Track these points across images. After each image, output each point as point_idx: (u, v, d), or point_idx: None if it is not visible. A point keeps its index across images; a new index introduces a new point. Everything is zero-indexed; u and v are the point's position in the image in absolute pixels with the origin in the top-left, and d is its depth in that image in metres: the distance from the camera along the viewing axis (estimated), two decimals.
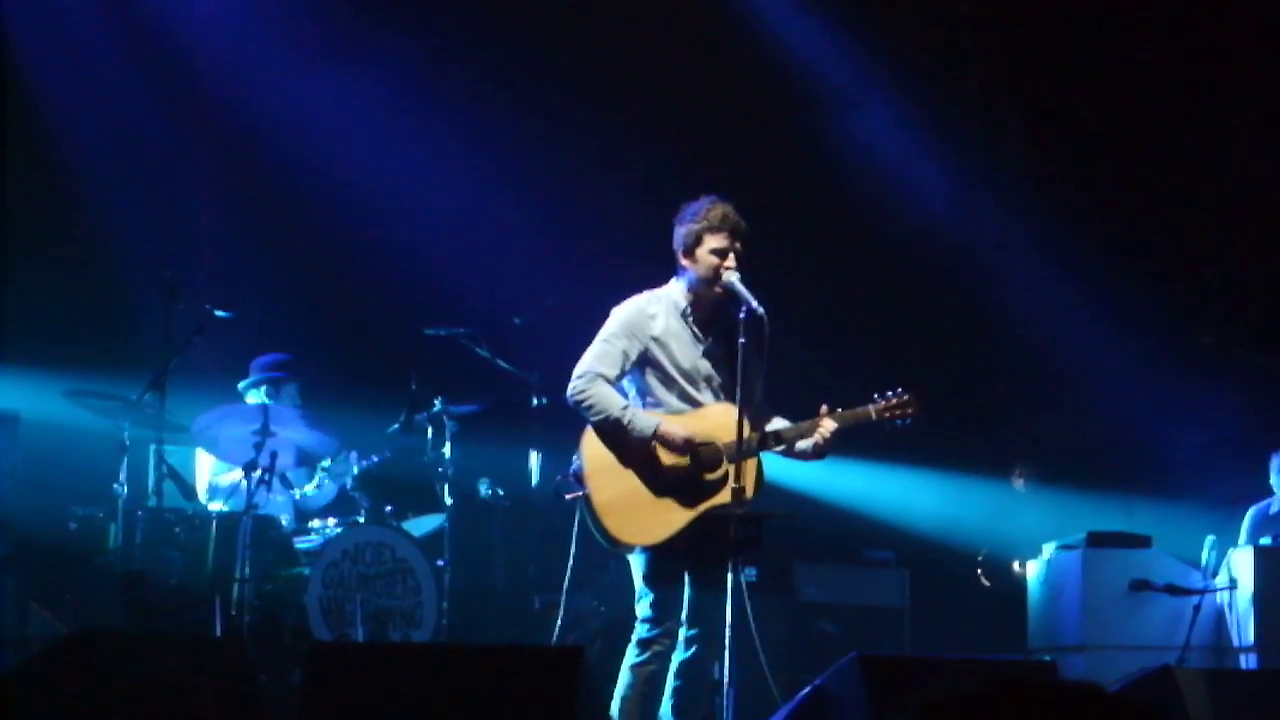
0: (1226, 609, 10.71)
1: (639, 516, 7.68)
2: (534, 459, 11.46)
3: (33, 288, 11.75)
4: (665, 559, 7.73)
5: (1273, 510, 11.37)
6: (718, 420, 7.72)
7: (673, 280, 7.97)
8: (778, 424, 7.87)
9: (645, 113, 13.05)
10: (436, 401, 10.98)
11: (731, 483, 7.50)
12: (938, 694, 2.84)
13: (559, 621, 8.61)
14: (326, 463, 10.94)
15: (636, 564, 7.81)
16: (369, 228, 12.60)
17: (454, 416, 11.02)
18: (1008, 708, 2.77)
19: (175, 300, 10.20)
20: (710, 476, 7.69)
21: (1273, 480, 11.40)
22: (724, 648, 7.38)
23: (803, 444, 7.86)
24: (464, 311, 11.58)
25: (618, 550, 7.81)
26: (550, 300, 11.58)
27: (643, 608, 7.79)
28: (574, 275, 12.02)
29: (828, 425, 7.82)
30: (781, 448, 7.86)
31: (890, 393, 7.99)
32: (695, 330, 7.87)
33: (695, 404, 7.84)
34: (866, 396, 7.99)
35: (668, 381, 7.84)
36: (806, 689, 7.39)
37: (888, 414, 7.96)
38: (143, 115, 12.58)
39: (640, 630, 7.79)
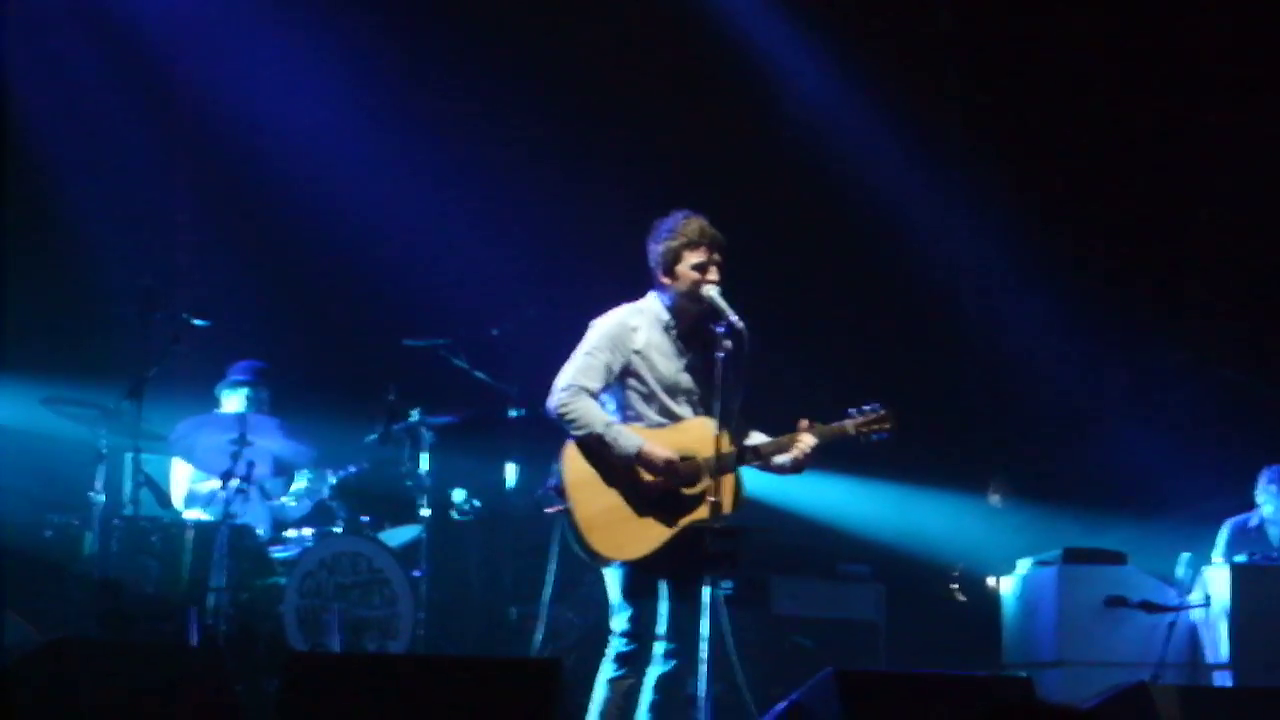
0: (1201, 626, 10.72)
1: (621, 531, 7.65)
2: (511, 470, 11.45)
3: (10, 295, 11.69)
4: (643, 573, 7.70)
5: (1251, 524, 11.36)
6: (697, 434, 7.70)
7: (650, 294, 7.96)
8: (756, 438, 7.83)
9: (621, 123, 13.06)
10: (414, 412, 10.96)
11: (709, 496, 7.49)
12: None
13: (538, 634, 8.60)
14: (304, 480, 10.93)
15: (613, 579, 7.77)
16: (348, 238, 12.59)
17: (431, 427, 11.01)
18: None
19: (153, 309, 10.21)
20: (690, 492, 7.66)
21: (1258, 496, 11.37)
22: (701, 661, 7.38)
23: (780, 459, 7.81)
24: (442, 322, 11.58)
25: (597, 564, 7.77)
26: (528, 311, 11.56)
27: (619, 622, 7.75)
28: (552, 287, 12.03)
29: (807, 440, 7.79)
30: (760, 462, 7.84)
31: (867, 407, 7.97)
32: (678, 344, 7.86)
33: (674, 418, 7.81)
34: (841, 411, 7.98)
35: (648, 396, 7.81)
36: (783, 704, 7.39)
37: (865, 429, 7.94)
38: (120, 122, 12.56)
39: (617, 644, 7.75)
